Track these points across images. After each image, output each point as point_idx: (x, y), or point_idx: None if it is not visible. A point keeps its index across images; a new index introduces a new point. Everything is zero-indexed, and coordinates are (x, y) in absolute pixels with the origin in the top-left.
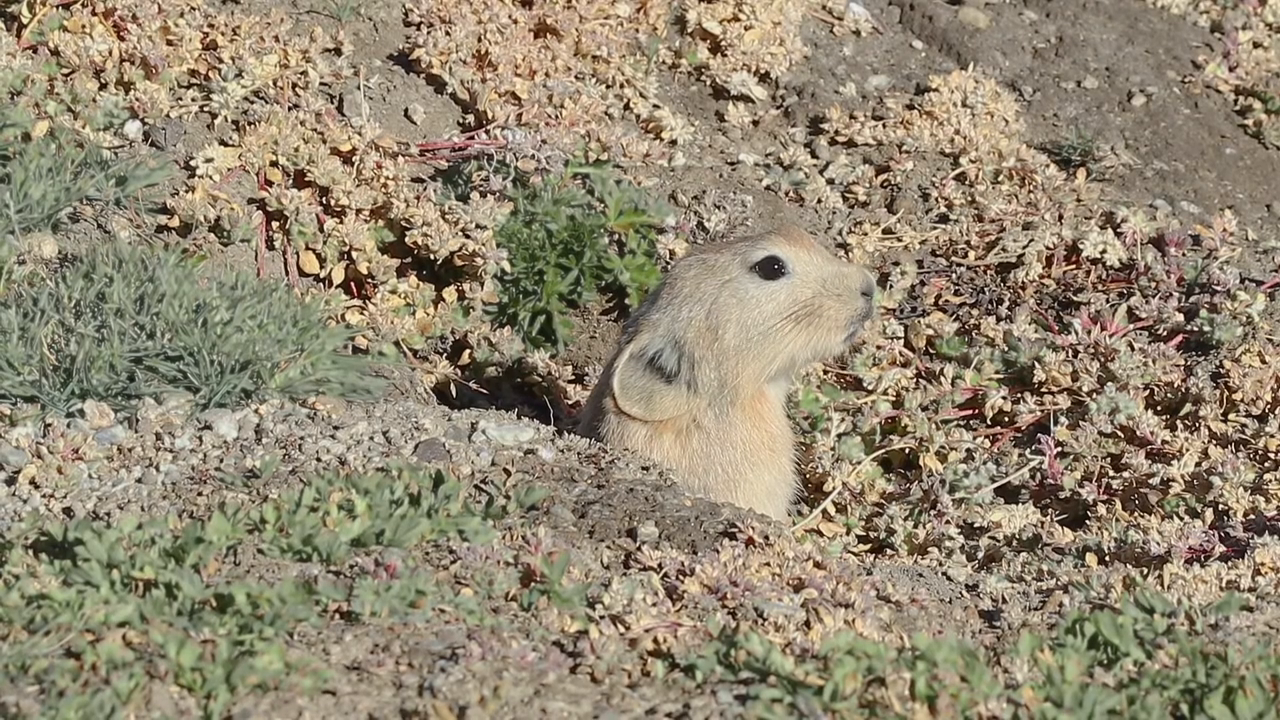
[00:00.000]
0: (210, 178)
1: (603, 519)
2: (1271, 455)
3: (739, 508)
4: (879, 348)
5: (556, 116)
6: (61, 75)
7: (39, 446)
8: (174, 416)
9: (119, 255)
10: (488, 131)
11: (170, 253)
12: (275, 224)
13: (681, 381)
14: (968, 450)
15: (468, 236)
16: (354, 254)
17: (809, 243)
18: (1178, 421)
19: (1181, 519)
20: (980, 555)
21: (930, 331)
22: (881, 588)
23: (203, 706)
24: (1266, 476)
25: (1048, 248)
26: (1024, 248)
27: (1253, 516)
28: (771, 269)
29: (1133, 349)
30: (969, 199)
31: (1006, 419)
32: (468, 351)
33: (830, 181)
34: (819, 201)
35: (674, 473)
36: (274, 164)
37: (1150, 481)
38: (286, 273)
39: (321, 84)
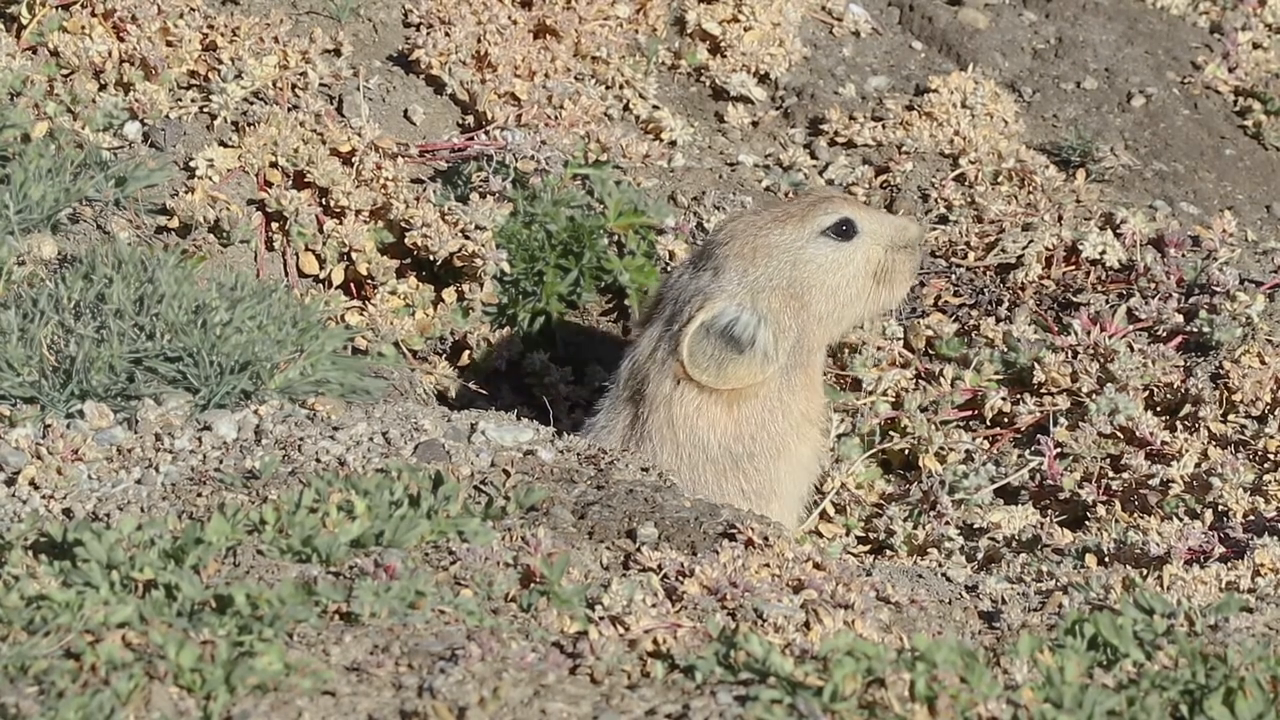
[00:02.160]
0: (210, 179)
1: (602, 520)
2: (1271, 456)
3: (738, 508)
4: (879, 348)
5: (556, 117)
6: (61, 76)
7: (38, 447)
8: (173, 417)
9: (118, 256)
10: (487, 132)
11: (170, 254)
12: (275, 225)
13: (758, 350)
14: (967, 451)
15: (467, 237)
16: (353, 255)
17: (858, 200)
18: (1177, 422)
19: (1181, 520)
20: (980, 556)
21: (930, 332)
22: (881, 589)
23: (202, 707)
24: (1266, 477)
25: (1047, 248)
26: (1023, 249)
27: (1252, 517)
28: (842, 230)
29: (1132, 350)
30: (968, 200)
31: (1006, 420)
32: (467, 352)
33: (830, 182)
34: None
35: (674, 474)
36: (273, 165)
37: (1150, 482)
38: (286, 274)
39: (321, 85)
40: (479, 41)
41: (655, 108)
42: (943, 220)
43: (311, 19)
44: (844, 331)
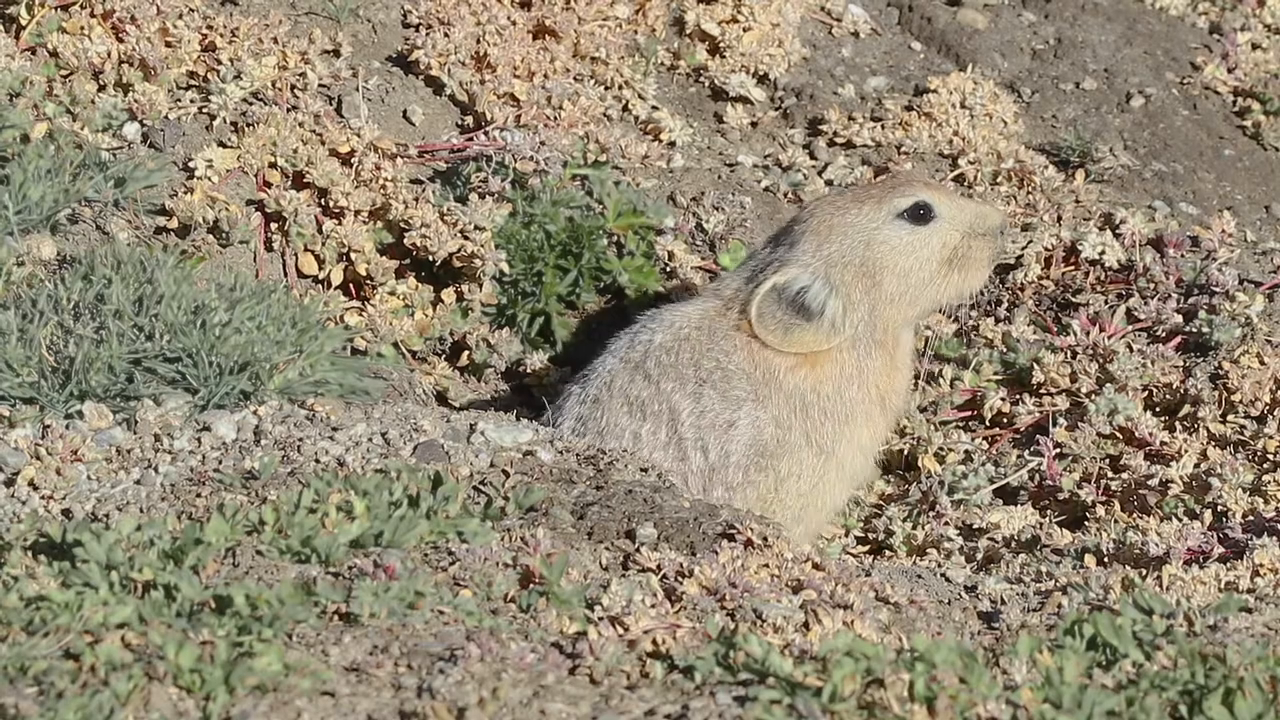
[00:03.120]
0: (209, 179)
1: (601, 520)
2: (1270, 456)
3: (737, 509)
4: None
5: (555, 118)
6: (60, 77)
7: (38, 448)
8: (173, 418)
9: (118, 257)
10: (486, 133)
11: (169, 254)
12: (274, 225)
13: (825, 320)
14: (966, 451)
15: (466, 238)
16: (353, 255)
17: (940, 185)
18: (1176, 423)
19: (1180, 520)
20: (979, 557)
21: (929, 333)
22: (880, 589)
23: (201, 708)
24: (1265, 478)
25: (1046, 249)
26: (1023, 249)
27: (1251, 518)
28: (919, 214)
29: (1131, 350)
30: None
31: (1005, 420)
32: (466, 353)
33: (829, 183)
34: None
35: (672, 474)
36: (273, 165)
37: (1149, 483)
38: (285, 274)
39: (320, 85)
40: (478, 42)
41: (654, 108)
42: None
43: (310, 19)
44: (921, 313)
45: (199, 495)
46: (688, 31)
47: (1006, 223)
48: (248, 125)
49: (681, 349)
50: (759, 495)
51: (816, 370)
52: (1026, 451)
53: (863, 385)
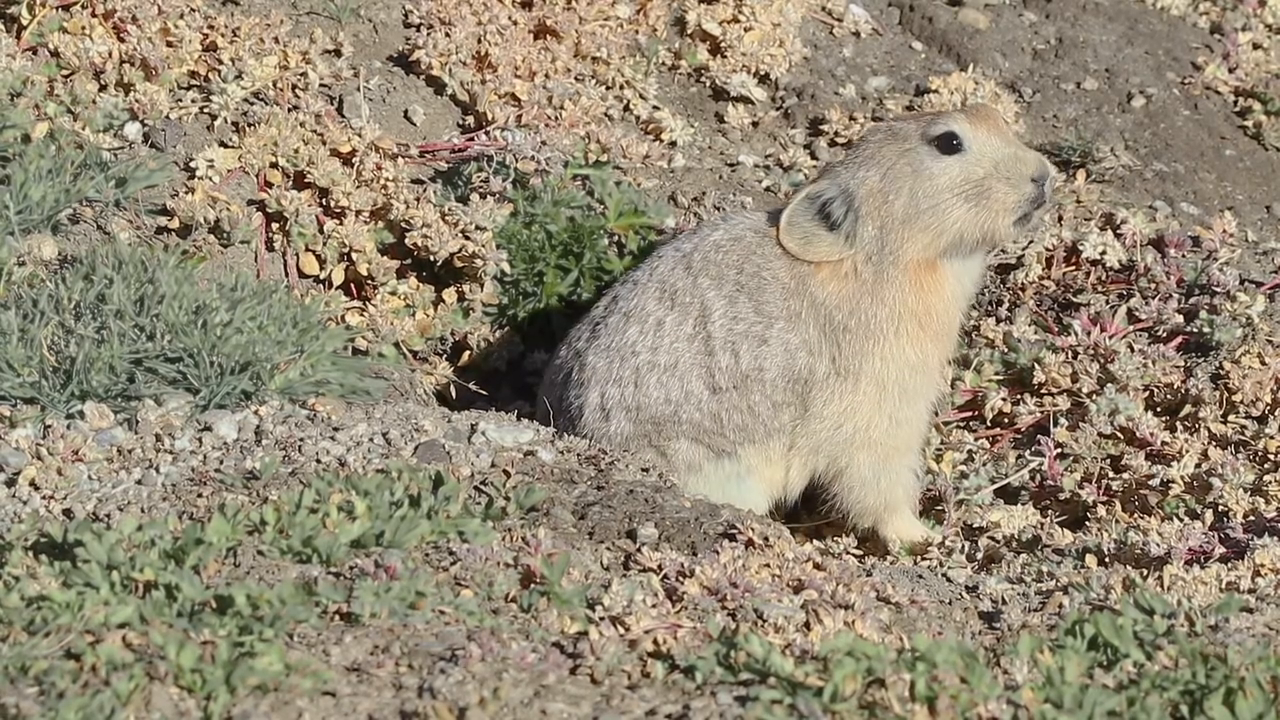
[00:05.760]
0: (210, 179)
1: (602, 520)
2: (1271, 456)
3: (739, 509)
4: None
5: (556, 118)
6: (61, 76)
7: (39, 448)
8: (174, 418)
9: (119, 257)
10: (488, 133)
11: (170, 254)
12: (275, 225)
13: (842, 233)
14: (968, 451)
15: (467, 238)
16: (354, 255)
17: (993, 124)
18: (1177, 423)
19: (1181, 520)
20: (980, 556)
21: None
22: (881, 589)
23: (202, 708)
24: (1266, 478)
25: (1047, 249)
26: (1024, 249)
27: (1252, 518)
28: (948, 144)
29: (1132, 350)
30: None
31: (1006, 420)
32: (467, 353)
33: None
34: None
35: (676, 479)
36: (274, 165)
37: (1150, 483)
38: (286, 274)
39: (321, 85)
40: (479, 42)
41: (655, 108)
42: None
43: (312, 19)
44: (938, 243)
45: (200, 495)
46: (689, 31)
47: (1047, 172)
48: (249, 125)
49: (732, 249)
50: (791, 419)
51: (840, 285)
52: (1028, 451)
53: (884, 302)
